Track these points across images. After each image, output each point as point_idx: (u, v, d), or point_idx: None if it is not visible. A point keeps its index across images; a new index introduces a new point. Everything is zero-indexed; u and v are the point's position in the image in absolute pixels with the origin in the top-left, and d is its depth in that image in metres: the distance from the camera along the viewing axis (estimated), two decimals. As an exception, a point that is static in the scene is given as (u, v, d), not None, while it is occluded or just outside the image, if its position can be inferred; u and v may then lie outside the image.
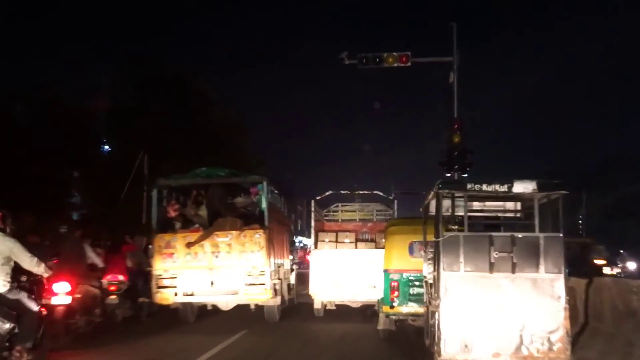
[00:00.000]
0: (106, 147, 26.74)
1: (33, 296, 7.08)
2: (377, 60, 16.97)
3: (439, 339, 6.29)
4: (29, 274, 7.12)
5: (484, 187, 6.47)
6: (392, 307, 9.32)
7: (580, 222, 35.17)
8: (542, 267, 6.21)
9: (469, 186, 6.53)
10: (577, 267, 14.64)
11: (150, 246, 11.64)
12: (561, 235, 6.28)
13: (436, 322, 6.49)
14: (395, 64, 16.96)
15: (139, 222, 18.12)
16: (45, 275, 7.22)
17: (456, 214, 7.07)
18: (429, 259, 7.58)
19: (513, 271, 6.22)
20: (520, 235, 6.34)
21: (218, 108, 27.16)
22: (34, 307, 6.95)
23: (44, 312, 7.38)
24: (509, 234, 6.41)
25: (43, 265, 7.07)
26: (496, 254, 6.21)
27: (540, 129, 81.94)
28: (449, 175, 16.26)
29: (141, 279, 11.70)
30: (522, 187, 6.39)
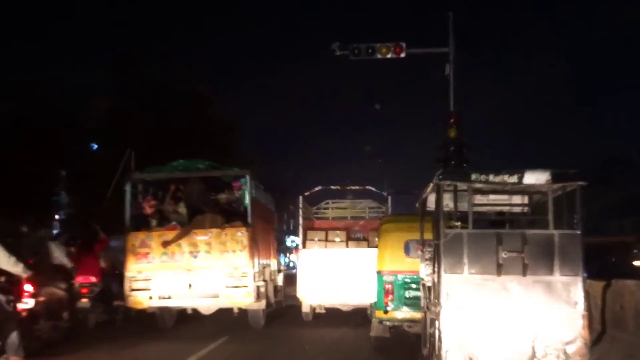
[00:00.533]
0: (95, 145, 26.14)
1: (12, 297, 6.88)
2: (370, 50, 16.15)
3: (440, 350, 5.58)
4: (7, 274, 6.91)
5: (491, 177, 5.71)
6: (385, 312, 8.71)
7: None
8: (557, 269, 5.46)
9: (473, 177, 5.76)
10: (614, 270, 13.19)
11: None
12: (579, 232, 5.54)
13: (436, 331, 5.80)
14: (389, 55, 16.17)
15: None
16: (24, 275, 7.03)
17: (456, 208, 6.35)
18: (427, 259, 6.91)
19: (524, 273, 5.47)
20: (532, 233, 5.61)
21: (210, 105, 26.57)
22: (13, 309, 6.77)
23: (22, 315, 7.23)
24: (519, 231, 5.70)
25: (22, 265, 6.89)
26: (505, 254, 5.46)
27: (540, 128, 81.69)
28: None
29: (116, 281, 10.93)
30: (534, 177, 5.65)
